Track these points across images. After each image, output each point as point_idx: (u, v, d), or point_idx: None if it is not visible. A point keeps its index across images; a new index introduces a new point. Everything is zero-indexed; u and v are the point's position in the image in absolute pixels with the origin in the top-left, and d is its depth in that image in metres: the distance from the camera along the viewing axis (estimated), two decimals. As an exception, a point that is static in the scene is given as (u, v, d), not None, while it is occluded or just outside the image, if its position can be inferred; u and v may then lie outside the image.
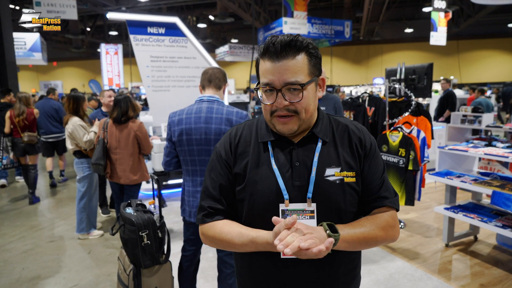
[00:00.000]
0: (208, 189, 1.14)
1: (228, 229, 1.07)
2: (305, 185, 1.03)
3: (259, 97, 1.07)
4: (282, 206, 1.03)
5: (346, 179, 1.05)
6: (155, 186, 2.61)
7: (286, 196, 1.03)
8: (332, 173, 1.04)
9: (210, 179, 1.15)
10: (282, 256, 1.02)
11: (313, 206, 1.02)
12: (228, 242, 1.06)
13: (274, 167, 1.06)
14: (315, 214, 1.02)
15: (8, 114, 5.29)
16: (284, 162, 1.07)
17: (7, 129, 5.28)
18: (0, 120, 5.57)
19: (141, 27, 5.30)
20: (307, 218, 1.02)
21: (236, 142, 1.14)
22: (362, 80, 24.05)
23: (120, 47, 15.47)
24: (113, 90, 5.27)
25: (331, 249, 0.91)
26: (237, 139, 1.15)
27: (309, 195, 1.02)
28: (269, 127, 1.12)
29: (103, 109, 4.47)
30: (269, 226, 1.03)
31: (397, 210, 1.11)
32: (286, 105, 1.01)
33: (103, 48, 15.11)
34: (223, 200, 1.12)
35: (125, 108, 3.31)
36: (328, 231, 0.93)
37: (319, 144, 1.08)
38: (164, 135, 5.37)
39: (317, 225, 1.01)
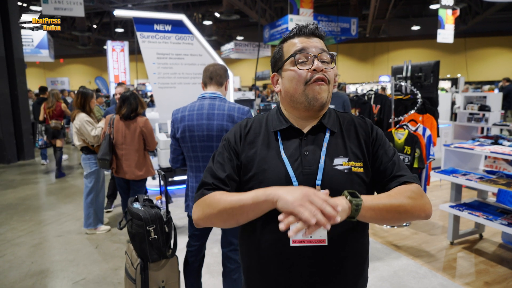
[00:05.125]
0: (213, 171, 1.13)
1: (227, 194, 1.05)
2: (314, 173, 1.06)
3: (287, 70, 1.11)
4: None
5: (354, 169, 1.07)
6: (162, 182, 2.64)
7: (295, 183, 1.05)
8: (340, 162, 1.08)
9: (216, 162, 1.15)
10: (292, 244, 1.01)
11: None
12: (228, 206, 1.01)
13: (284, 155, 1.09)
14: None
15: (43, 105, 6.77)
16: (293, 151, 1.10)
17: (41, 117, 6.77)
18: (40, 110, 7.19)
19: (147, 24, 5.33)
20: None
21: (246, 131, 1.18)
22: (368, 77, 23.91)
23: (126, 44, 15.52)
24: (121, 84, 5.31)
25: (358, 221, 0.96)
26: (247, 129, 1.19)
27: (318, 182, 1.05)
28: (280, 117, 1.16)
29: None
30: (280, 214, 1.05)
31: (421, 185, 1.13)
32: (323, 70, 1.08)
33: (110, 45, 15.17)
34: (227, 182, 1.11)
35: (135, 105, 3.36)
36: (348, 197, 0.94)
37: (327, 135, 1.12)
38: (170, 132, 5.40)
39: None
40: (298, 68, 1.08)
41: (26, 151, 8.56)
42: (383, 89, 10.50)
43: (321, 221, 0.85)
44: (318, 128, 1.13)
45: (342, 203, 0.92)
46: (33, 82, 24.22)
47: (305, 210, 0.86)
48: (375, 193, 1.16)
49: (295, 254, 1.05)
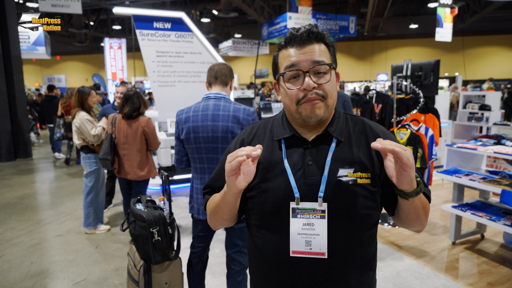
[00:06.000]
0: (211, 179, 1.24)
1: (213, 197, 1.19)
2: (317, 184, 1.02)
3: (281, 86, 1.06)
4: (292, 204, 1.02)
5: (359, 180, 1.02)
6: (165, 183, 2.61)
7: (297, 194, 1.02)
8: (345, 173, 1.02)
9: (216, 170, 1.23)
10: (291, 255, 1.02)
11: (324, 206, 1.01)
12: (214, 207, 1.16)
13: (286, 165, 1.05)
14: (326, 214, 1.01)
15: (60, 101, 7.42)
16: (297, 160, 1.05)
17: (59, 113, 7.36)
18: (49, 107, 8.26)
19: (147, 22, 5.29)
20: (318, 218, 1.01)
21: (249, 139, 1.15)
22: (366, 76, 23.94)
23: (123, 41, 15.39)
24: (124, 82, 5.30)
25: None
26: (251, 137, 1.16)
27: (321, 194, 1.01)
28: (284, 124, 1.11)
29: (116, 103, 4.47)
30: (281, 224, 1.04)
31: (429, 200, 1.11)
32: (315, 87, 1.00)
33: (107, 42, 15.03)
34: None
35: (138, 104, 3.32)
36: (418, 178, 0.98)
37: (333, 144, 1.06)
38: (170, 130, 5.37)
39: (328, 226, 1.01)
40: (288, 88, 1.03)
41: (23, 149, 8.51)
42: (368, 89, 10.44)
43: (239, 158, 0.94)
44: (324, 137, 1.07)
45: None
46: (30, 79, 24.05)
47: (228, 165, 0.97)
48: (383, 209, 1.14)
49: (295, 264, 1.04)
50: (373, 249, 1.12)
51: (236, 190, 0.99)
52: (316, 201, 1.01)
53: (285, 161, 1.06)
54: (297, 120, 1.07)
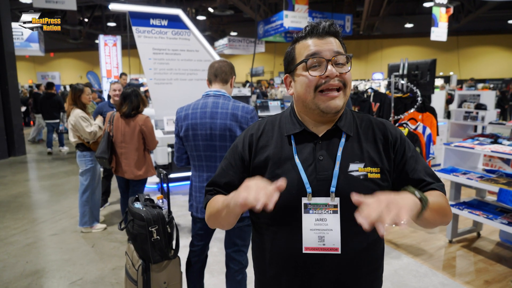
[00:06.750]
0: (216, 176, 1.19)
1: (217, 199, 1.10)
2: (329, 179, 1.02)
3: (300, 75, 1.04)
4: (304, 200, 1.02)
5: (370, 175, 1.03)
6: (163, 181, 2.59)
7: (309, 189, 1.01)
8: (356, 168, 1.03)
9: (220, 167, 1.19)
10: (304, 251, 1.01)
11: (337, 201, 1.01)
12: (215, 211, 1.08)
13: (297, 161, 1.05)
14: (338, 209, 1.01)
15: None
16: (307, 156, 1.05)
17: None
18: (48, 105, 8.50)
19: (143, 19, 5.25)
20: (330, 213, 1.00)
21: (258, 135, 1.14)
22: (361, 75, 24.00)
23: (118, 38, 15.27)
24: (124, 74, 5.24)
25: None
26: (260, 132, 1.14)
27: (333, 189, 1.01)
28: (293, 120, 1.11)
29: (111, 101, 4.42)
30: (293, 220, 1.03)
31: (444, 193, 1.08)
32: (337, 76, 1.01)
33: (102, 39, 14.90)
34: (226, 189, 1.14)
35: (136, 102, 3.27)
36: (416, 192, 0.90)
37: (343, 139, 1.07)
38: (166, 128, 5.34)
39: (340, 221, 1.00)
40: (310, 74, 1.02)
41: (17, 147, 8.42)
42: (356, 88, 10.45)
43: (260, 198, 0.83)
44: (333, 132, 1.07)
45: (408, 203, 0.83)
46: (23, 76, 23.79)
47: (241, 197, 0.86)
48: None
49: (307, 261, 1.03)
50: (382, 246, 1.13)
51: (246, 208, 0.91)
52: (328, 196, 1.01)
53: (296, 157, 1.06)
54: (313, 111, 1.05)
